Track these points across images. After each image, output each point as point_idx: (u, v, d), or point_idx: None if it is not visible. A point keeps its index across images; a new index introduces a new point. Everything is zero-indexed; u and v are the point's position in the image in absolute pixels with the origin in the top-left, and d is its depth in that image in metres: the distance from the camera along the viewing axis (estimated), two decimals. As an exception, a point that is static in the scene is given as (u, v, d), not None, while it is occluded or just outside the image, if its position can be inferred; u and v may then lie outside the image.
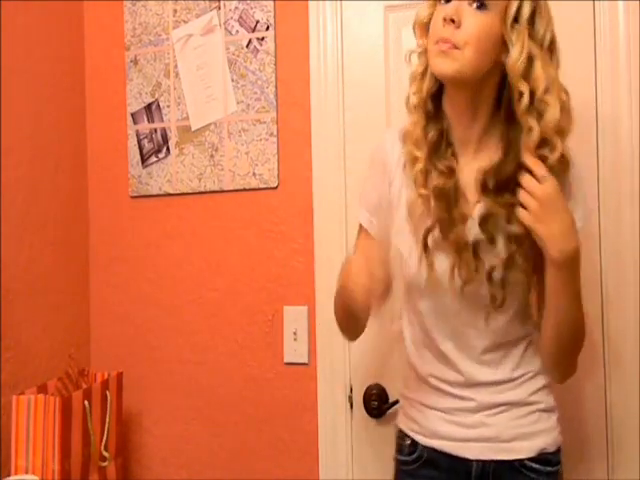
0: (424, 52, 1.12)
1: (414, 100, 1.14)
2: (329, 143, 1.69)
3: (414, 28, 1.14)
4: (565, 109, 1.07)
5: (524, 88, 1.04)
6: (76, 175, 1.91)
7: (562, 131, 1.07)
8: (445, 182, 1.11)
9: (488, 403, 1.18)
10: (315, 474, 1.69)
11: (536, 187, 1.04)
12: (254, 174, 1.77)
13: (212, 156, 1.81)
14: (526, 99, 1.04)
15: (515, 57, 1.04)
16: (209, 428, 1.81)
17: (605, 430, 1.55)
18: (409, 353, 1.26)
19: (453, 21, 1.04)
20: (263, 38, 1.76)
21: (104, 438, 1.63)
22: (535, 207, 1.04)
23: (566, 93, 1.08)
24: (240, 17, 1.78)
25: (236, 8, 1.78)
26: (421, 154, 1.12)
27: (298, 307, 1.71)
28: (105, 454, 1.63)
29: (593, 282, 1.56)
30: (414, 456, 1.24)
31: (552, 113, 1.04)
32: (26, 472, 1.46)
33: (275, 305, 1.74)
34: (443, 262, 1.12)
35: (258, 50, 1.77)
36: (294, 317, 1.72)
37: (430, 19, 1.10)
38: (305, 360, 1.72)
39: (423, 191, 1.11)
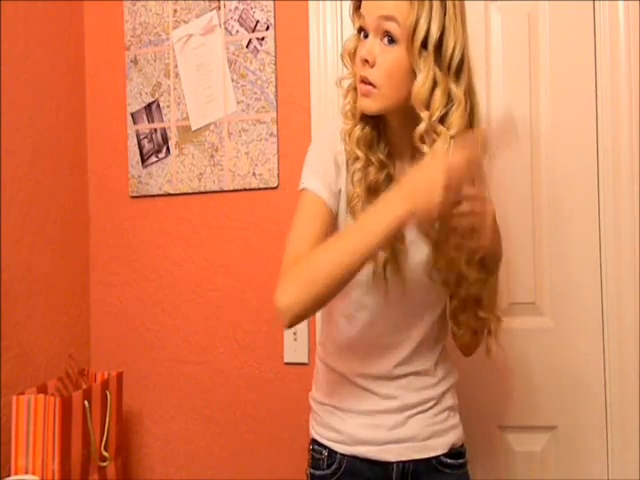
0: (354, 75, 1.16)
1: (348, 107, 1.17)
2: (329, 143, 1.69)
3: (342, 58, 1.18)
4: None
5: (425, 115, 1.07)
6: (76, 175, 1.91)
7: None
8: (376, 175, 1.14)
9: (410, 403, 1.21)
10: (315, 474, 1.69)
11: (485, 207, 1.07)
12: (254, 174, 1.77)
13: (212, 156, 1.81)
14: (423, 127, 1.08)
15: (418, 87, 1.07)
16: (209, 428, 1.81)
17: (605, 430, 1.55)
18: (329, 355, 1.25)
19: (367, 61, 1.09)
20: (263, 38, 1.76)
21: (104, 438, 1.63)
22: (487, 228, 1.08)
23: (473, 112, 1.10)
24: (240, 17, 1.78)
25: (236, 8, 1.78)
26: (361, 153, 1.15)
27: (298, 307, 1.71)
28: (105, 454, 1.63)
29: (593, 282, 1.57)
30: (333, 468, 1.21)
31: (439, 145, 1.07)
32: (26, 472, 1.46)
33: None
34: (380, 256, 1.14)
35: (258, 50, 1.77)
36: (294, 317, 1.72)
37: (356, 49, 1.14)
38: (305, 360, 1.72)
39: (359, 190, 1.14)
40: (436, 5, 1.05)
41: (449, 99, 1.07)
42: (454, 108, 1.07)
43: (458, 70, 1.08)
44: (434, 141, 1.07)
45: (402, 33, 1.06)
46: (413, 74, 1.08)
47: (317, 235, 1.11)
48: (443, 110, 1.07)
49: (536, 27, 1.60)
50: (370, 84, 1.10)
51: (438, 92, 1.06)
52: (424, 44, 1.05)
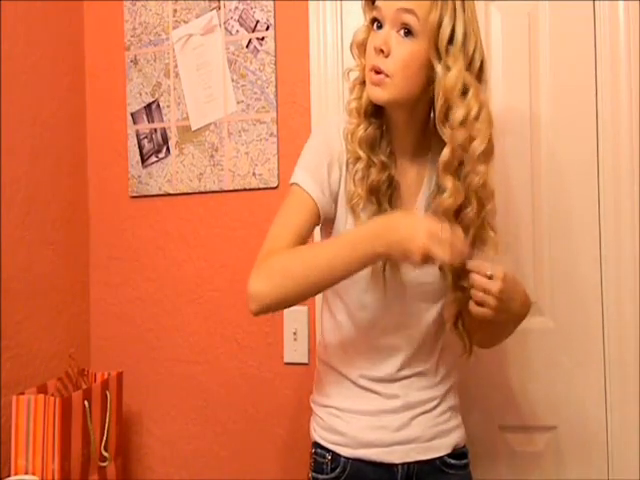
0: (363, 68, 1.16)
1: (354, 104, 1.17)
2: (329, 143, 1.69)
3: (351, 48, 1.19)
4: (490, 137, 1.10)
5: (462, 110, 1.08)
6: (76, 175, 1.91)
7: (487, 156, 1.10)
8: (378, 176, 1.15)
9: (413, 402, 1.21)
10: (315, 474, 1.69)
11: (489, 285, 1.06)
12: (254, 174, 1.77)
13: (212, 156, 1.81)
14: (461, 118, 1.08)
15: (452, 81, 1.07)
16: (209, 428, 1.81)
17: (605, 430, 1.55)
18: (332, 356, 1.25)
19: (382, 51, 1.10)
20: (263, 38, 1.76)
21: (104, 438, 1.62)
22: (494, 303, 1.07)
23: (490, 121, 1.11)
24: (240, 17, 1.78)
25: (236, 8, 1.78)
26: (363, 153, 1.15)
27: (298, 307, 1.69)
28: (105, 454, 1.63)
29: (593, 283, 1.56)
30: (337, 472, 1.20)
31: (480, 142, 1.08)
32: (26, 472, 1.46)
33: (275, 305, 1.74)
34: None
35: (258, 50, 1.77)
36: (294, 317, 1.72)
37: (366, 41, 1.15)
38: (305, 360, 1.72)
39: (360, 190, 1.14)
40: (458, 5, 1.08)
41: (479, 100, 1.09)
42: (481, 113, 1.09)
43: (480, 68, 1.11)
44: (471, 139, 1.08)
45: (421, 27, 1.08)
46: (426, 69, 1.10)
47: (299, 229, 1.13)
48: (477, 108, 1.08)
49: (536, 27, 1.60)
50: (383, 73, 1.10)
51: (472, 91, 1.08)
52: (450, 42, 1.07)
